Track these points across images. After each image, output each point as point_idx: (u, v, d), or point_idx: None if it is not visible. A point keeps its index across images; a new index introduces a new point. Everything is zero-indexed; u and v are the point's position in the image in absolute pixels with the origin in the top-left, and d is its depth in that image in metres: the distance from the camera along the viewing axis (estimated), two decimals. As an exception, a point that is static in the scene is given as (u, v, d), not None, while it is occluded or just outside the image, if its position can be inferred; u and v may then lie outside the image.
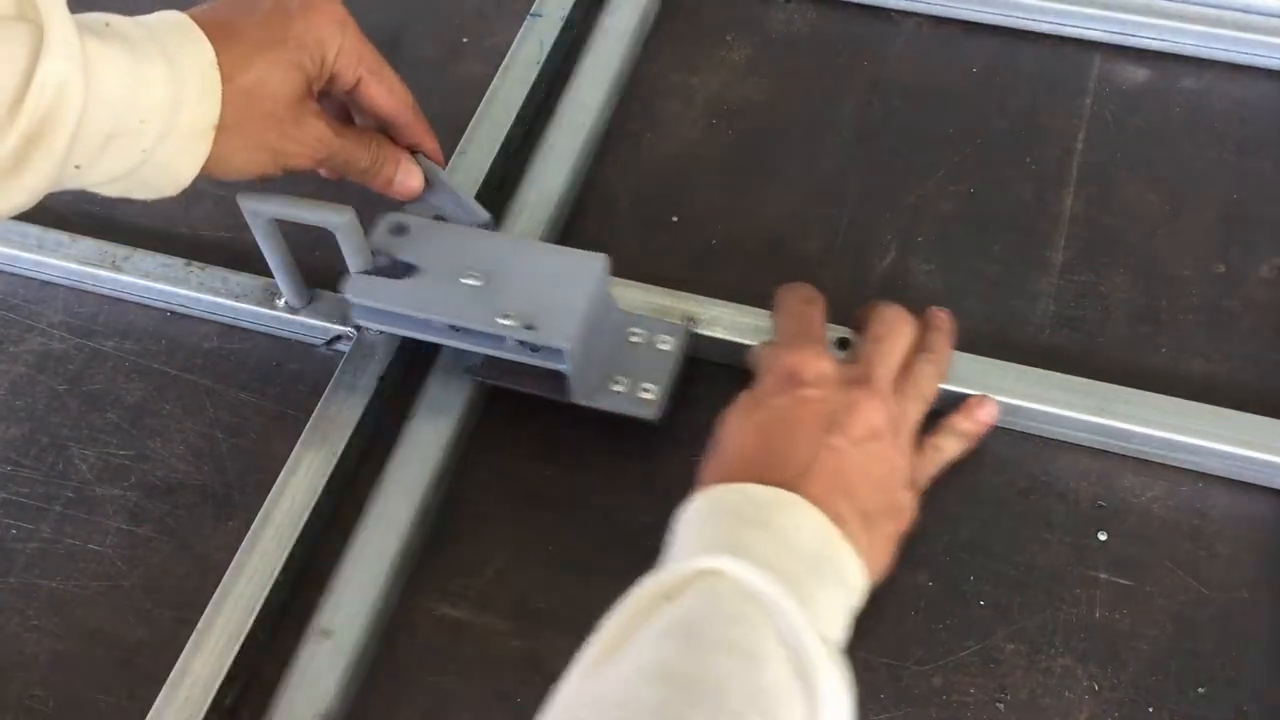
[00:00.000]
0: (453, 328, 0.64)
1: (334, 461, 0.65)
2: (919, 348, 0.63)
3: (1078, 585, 0.62)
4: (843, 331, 0.67)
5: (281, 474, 0.65)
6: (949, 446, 0.63)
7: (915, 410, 0.61)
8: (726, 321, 0.69)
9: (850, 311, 0.71)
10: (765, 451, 0.56)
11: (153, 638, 0.63)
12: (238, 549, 0.63)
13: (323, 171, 0.66)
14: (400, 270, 0.65)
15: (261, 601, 0.61)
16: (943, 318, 0.66)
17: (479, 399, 0.69)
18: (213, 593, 0.61)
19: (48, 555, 0.65)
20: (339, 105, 0.66)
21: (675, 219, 0.76)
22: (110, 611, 0.64)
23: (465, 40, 0.87)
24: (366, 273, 0.65)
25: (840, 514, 0.54)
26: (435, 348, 0.68)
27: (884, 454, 0.58)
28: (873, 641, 0.60)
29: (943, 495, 0.64)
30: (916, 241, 0.75)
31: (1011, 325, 0.71)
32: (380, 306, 0.64)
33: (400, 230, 0.66)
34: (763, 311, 0.68)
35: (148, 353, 0.73)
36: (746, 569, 0.49)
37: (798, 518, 0.53)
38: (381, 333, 0.68)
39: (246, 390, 0.71)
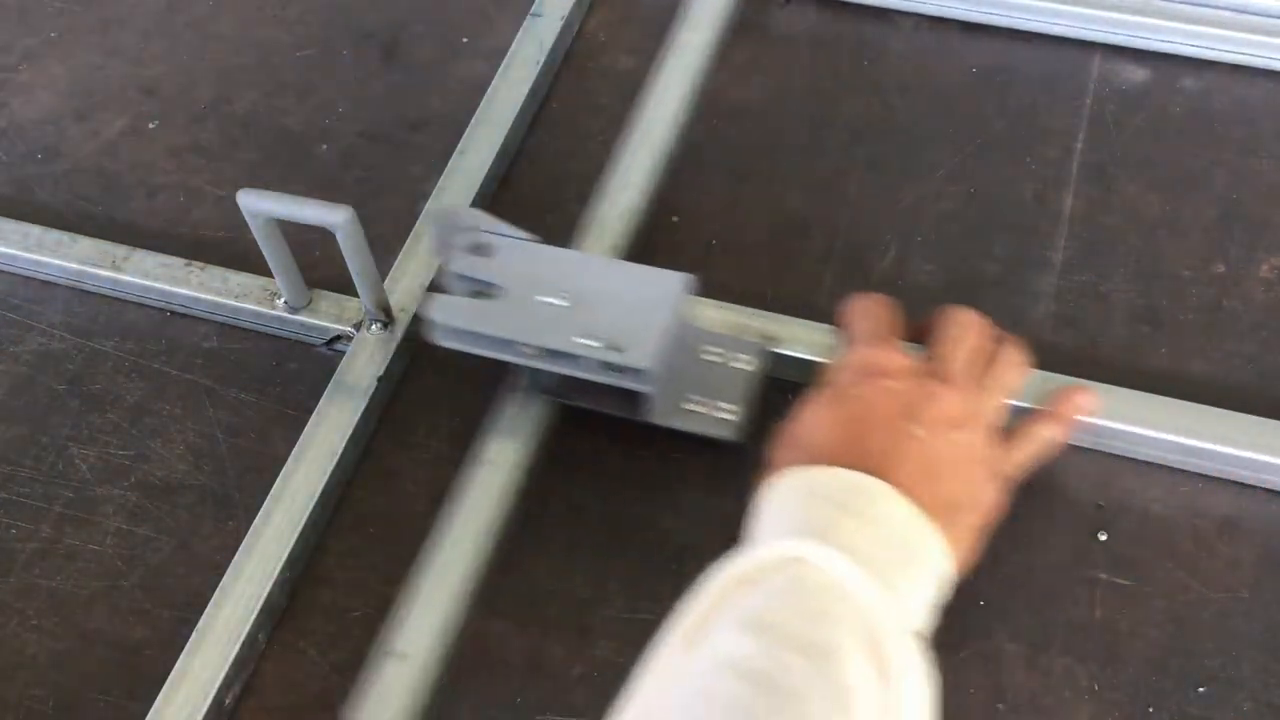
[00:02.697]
0: (534, 348, 0.63)
1: (334, 461, 0.65)
2: (998, 342, 0.63)
3: (1077, 585, 0.62)
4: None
5: (281, 474, 0.65)
6: (1040, 434, 0.62)
7: (997, 400, 0.61)
8: (806, 340, 0.68)
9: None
10: (848, 440, 0.56)
11: (153, 638, 0.63)
12: (238, 549, 0.63)
13: None
14: (482, 290, 0.64)
15: (261, 601, 0.61)
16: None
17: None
18: (213, 593, 0.61)
19: (48, 555, 0.66)
20: None
21: (675, 219, 0.76)
22: (110, 611, 0.64)
23: (465, 40, 0.87)
24: (447, 293, 0.64)
25: (925, 503, 0.53)
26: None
27: (966, 443, 0.57)
28: (873, 641, 0.60)
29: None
30: (916, 241, 0.75)
31: (1011, 325, 0.70)
32: (461, 327, 0.63)
33: (481, 250, 0.65)
34: (828, 327, 0.67)
35: (148, 353, 0.73)
36: (832, 556, 0.49)
37: (888, 506, 0.53)
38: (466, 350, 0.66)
39: (246, 390, 0.71)
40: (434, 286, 0.66)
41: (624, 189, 0.75)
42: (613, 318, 0.62)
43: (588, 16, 0.87)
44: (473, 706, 0.60)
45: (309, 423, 0.67)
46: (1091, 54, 0.83)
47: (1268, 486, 0.64)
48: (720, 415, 0.65)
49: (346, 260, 0.65)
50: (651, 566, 0.63)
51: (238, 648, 0.60)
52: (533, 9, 0.85)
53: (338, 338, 0.71)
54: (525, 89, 0.80)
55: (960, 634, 0.61)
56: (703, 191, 0.78)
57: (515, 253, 0.65)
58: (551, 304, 0.63)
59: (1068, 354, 0.69)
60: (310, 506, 0.64)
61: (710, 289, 0.71)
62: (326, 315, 0.71)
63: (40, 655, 0.63)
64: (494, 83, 0.81)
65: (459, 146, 0.78)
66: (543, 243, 0.66)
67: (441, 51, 0.87)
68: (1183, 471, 0.65)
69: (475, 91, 0.81)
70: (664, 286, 0.64)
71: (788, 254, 0.74)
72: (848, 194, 0.77)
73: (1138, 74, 0.82)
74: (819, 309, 0.71)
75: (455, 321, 0.63)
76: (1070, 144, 0.79)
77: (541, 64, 0.82)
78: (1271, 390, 0.67)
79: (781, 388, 0.67)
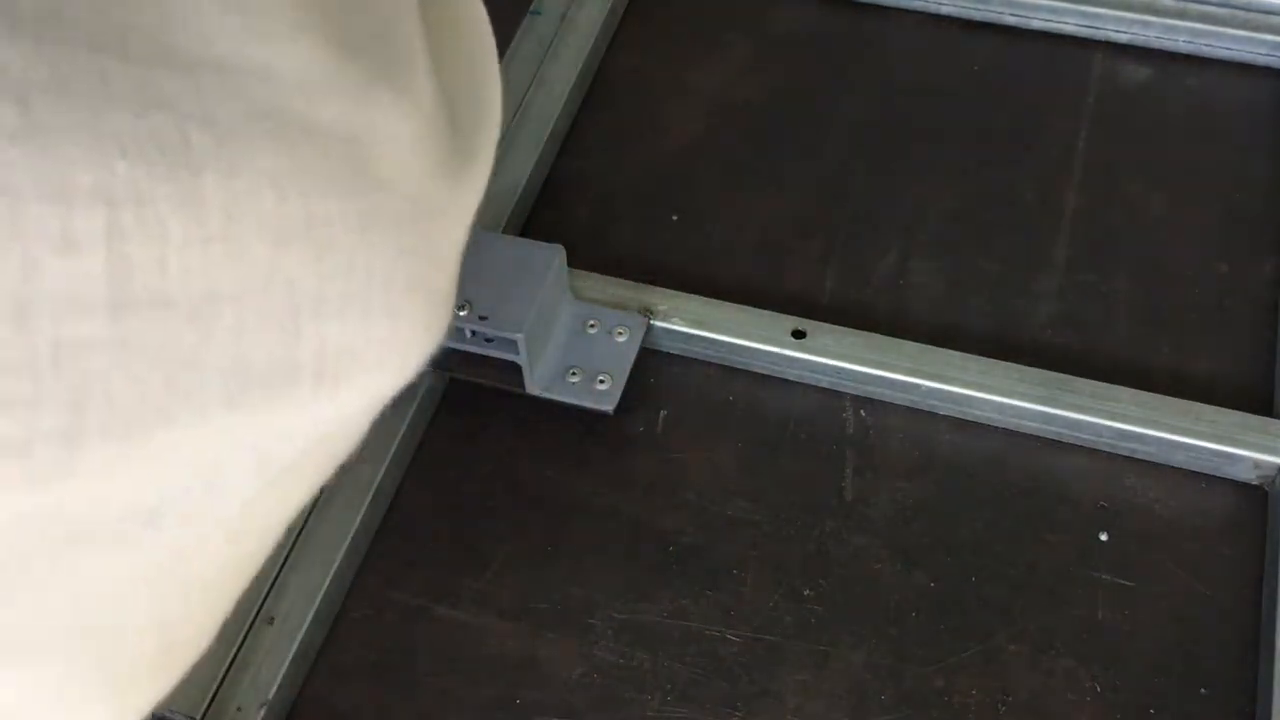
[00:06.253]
0: None
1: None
2: None
3: (1080, 586, 0.62)
4: (799, 323, 0.68)
5: (280, 474, 0.65)
6: None
7: None
8: (684, 313, 0.69)
9: (852, 313, 0.71)
10: None
11: (151, 638, 0.62)
12: (236, 549, 0.63)
13: None
14: None
15: (261, 602, 0.61)
16: None
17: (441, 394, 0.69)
18: (211, 593, 0.61)
19: (46, 556, 0.65)
20: None
21: (675, 218, 0.76)
22: (108, 612, 0.63)
23: (465, 39, 0.87)
24: None
25: None
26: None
27: None
28: (874, 642, 0.60)
29: (943, 495, 0.64)
30: (918, 241, 0.74)
31: (1013, 325, 0.71)
32: None
33: None
34: (720, 303, 0.69)
35: (146, 352, 0.73)
36: None
37: None
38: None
39: (245, 390, 0.71)
40: None
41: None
42: (486, 288, 0.64)
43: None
44: (471, 707, 0.60)
45: (308, 423, 0.67)
46: (1093, 52, 0.83)
47: (1271, 487, 0.64)
48: (597, 387, 0.66)
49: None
50: (651, 566, 0.63)
51: (236, 648, 0.60)
52: (532, 7, 0.85)
53: (337, 337, 0.71)
54: (525, 88, 0.80)
55: (962, 634, 0.60)
56: (703, 191, 0.78)
57: None
58: None
59: (1070, 354, 0.69)
60: (309, 506, 0.64)
61: (711, 288, 0.71)
62: (326, 315, 0.71)
63: (38, 656, 0.62)
64: (494, 81, 0.81)
65: (459, 145, 0.77)
66: None
67: (441, 50, 0.86)
68: (1185, 471, 0.65)
69: (475, 90, 0.80)
70: (539, 258, 0.65)
71: (788, 254, 0.74)
72: (848, 194, 0.77)
73: (1140, 72, 0.82)
74: (820, 308, 0.71)
75: None
76: (1072, 142, 0.78)
77: (542, 62, 0.81)
78: (1274, 390, 0.67)
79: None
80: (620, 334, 0.68)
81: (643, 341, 0.68)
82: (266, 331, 0.27)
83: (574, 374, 0.66)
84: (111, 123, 0.24)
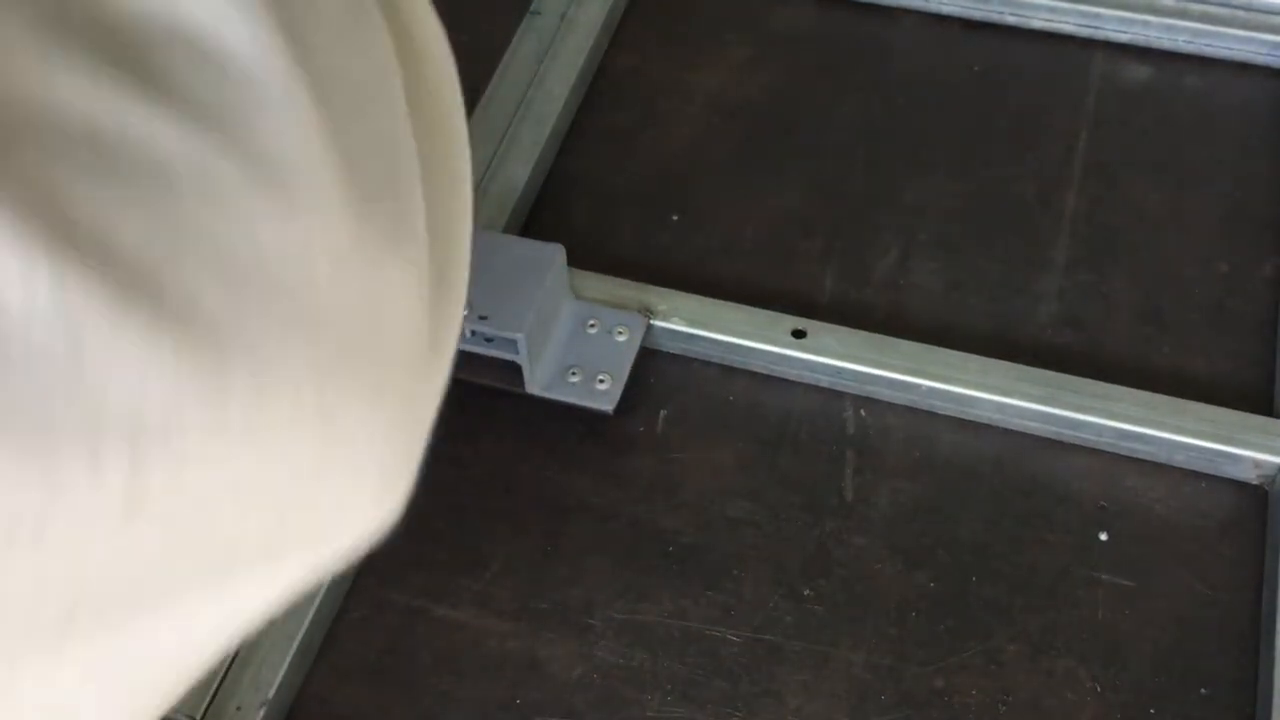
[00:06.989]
0: None
1: (333, 461, 0.65)
2: None
3: (1080, 586, 0.62)
4: (799, 323, 0.67)
5: (280, 474, 0.65)
6: None
7: None
8: (684, 313, 0.69)
9: (852, 313, 0.71)
10: None
11: (151, 638, 0.62)
12: (236, 549, 0.62)
13: None
14: None
15: (260, 602, 0.61)
16: None
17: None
18: (211, 593, 0.61)
19: (46, 556, 0.65)
20: None
21: (675, 218, 0.76)
22: (108, 612, 0.63)
23: (465, 39, 0.86)
24: None
25: None
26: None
27: None
28: (873, 642, 0.60)
29: (943, 495, 0.64)
30: (918, 241, 0.74)
31: (1013, 325, 0.70)
32: None
33: None
34: (720, 303, 0.69)
35: (146, 352, 0.73)
36: None
37: None
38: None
39: (245, 390, 0.71)
40: None
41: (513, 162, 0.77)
42: (485, 288, 0.64)
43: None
44: (471, 707, 0.60)
45: (308, 423, 0.67)
46: (1093, 52, 0.83)
47: (1271, 487, 0.64)
48: (597, 387, 0.66)
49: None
50: (651, 566, 0.63)
51: (236, 648, 0.59)
52: (532, 7, 0.85)
53: (337, 337, 0.71)
54: (524, 88, 0.80)
55: (962, 634, 0.60)
56: (703, 190, 0.78)
57: None
58: None
59: (1070, 354, 0.69)
60: (309, 507, 0.64)
61: (711, 288, 0.71)
62: (326, 315, 0.71)
63: (38, 656, 0.62)
64: (493, 82, 0.81)
65: (459, 145, 0.77)
66: None
67: (441, 50, 0.86)
68: (1185, 471, 0.65)
69: (475, 91, 0.81)
70: (539, 257, 0.65)
71: (788, 254, 0.74)
72: (848, 193, 0.77)
73: (1140, 71, 0.82)
74: (820, 308, 0.71)
75: None
76: (1073, 142, 0.78)
77: (542, 62, 0.81)
78: (1274, 390, 0.67)
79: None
80: (620, 334, 0.68)
81: (643, 341, 0.68)
82: (262, 514, 0.27)
83: (574, 374, 0.66)
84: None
